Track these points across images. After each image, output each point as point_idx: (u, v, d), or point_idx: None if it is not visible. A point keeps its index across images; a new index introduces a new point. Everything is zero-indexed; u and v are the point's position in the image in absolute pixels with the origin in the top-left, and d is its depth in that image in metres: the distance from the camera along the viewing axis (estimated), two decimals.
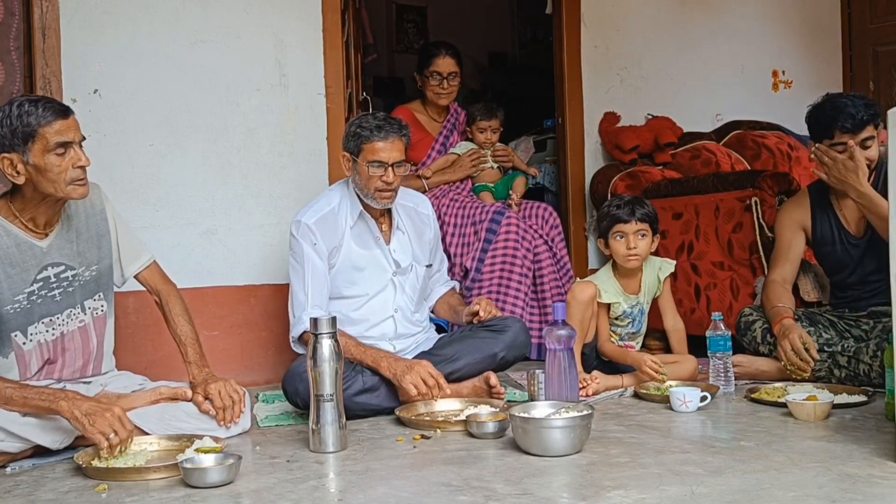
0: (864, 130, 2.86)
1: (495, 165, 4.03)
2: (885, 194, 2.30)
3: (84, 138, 2.33)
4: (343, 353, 2.64)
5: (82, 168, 2.29)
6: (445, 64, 3.97)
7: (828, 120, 2.91)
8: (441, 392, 2.66)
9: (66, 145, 2.25)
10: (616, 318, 3.14)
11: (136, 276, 2.65)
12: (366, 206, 2.93)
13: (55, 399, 2.19)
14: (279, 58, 3.64)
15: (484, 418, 2.45)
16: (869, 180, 2.89)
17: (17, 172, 2.26)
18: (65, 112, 2.28)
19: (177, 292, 2.67)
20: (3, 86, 3.11)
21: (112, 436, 2.15)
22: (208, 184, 3.53)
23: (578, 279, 3.22)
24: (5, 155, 2.25)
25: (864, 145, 2.87)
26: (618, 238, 3.07)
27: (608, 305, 3.11)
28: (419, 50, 4.16)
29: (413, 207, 3.08)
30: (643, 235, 3.07)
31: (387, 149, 2.82)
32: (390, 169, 2.82)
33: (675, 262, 3.24)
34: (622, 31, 4.62)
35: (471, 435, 2.42)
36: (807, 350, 2.88)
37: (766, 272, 3.41)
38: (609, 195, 4.23)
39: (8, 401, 2.20)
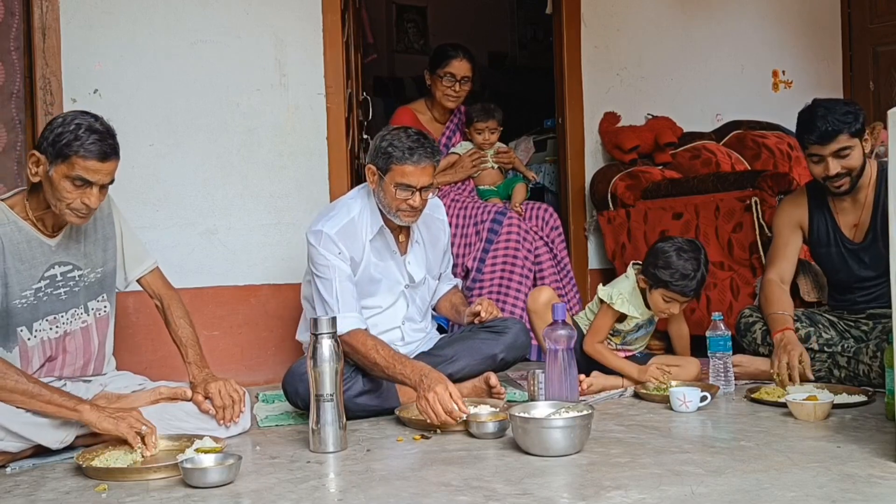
0: (834, 142, 2.81)
1: (496, 166, 4.03)
2: (885, 196, 2.29)
3: (112, 181, 2.36)
4: (386, 368, 2.59)
5: (87, 206, 2.32)
6: (461, 67, 3.94)
7: (800, 132, 2.91)
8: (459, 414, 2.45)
9: (86, 182, 2.29)
10: (621, 321, 3.14)
11: (138, 281, 2.68)
12: (386, 220, 2.87)
13: (78, 406, 2.24)
14: (279, 58, 3.64)
15: (484, 418, 2.45)
16: (847, 187, 2.88)
17: (36, 173, 2.31)
18: (106, 155, 2.29)
19: (178, 297, 2.70)
20: (3, 86, 3.11)
21: (144, 428, 2.24)
22: (208, 184, 3.53)
23: (601, 285, 3.15)
24: (36, 152, 2.31)
25: (838, 155, 2.83)
26: (665, 299, 2.99)
27: (621, 315, 3.07)
28: (433, 49, 4.13)
29: (430, 214, 3.01)
30: (685, 304, 3.05)
31: (417, 173, 2.71)
32: (417, 193, 2.74)
33: None
34: (622, 31, 4.62)
35: (471, 435, 2.42)
36: (802, 370, 2.81)
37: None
38: (609, 195, 4.23)
39: (33, 396, 2.21)
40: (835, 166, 2.84)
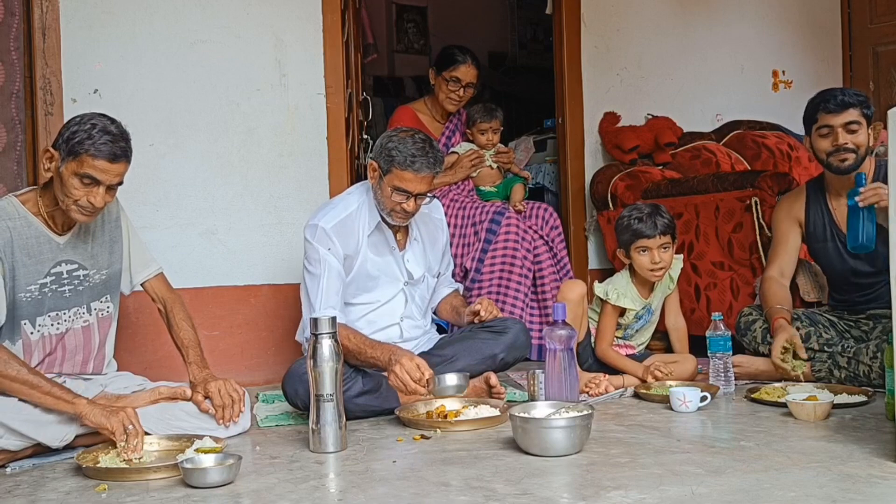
0: (847, 113, 2.89)
1: (495, 166, 4.02)
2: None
3: (121, 183, 2.40)
4: (358, 354, 2.65)
5: (92, 205, 2.35)
6: (468, 73, 3.94)
7: (814, 105, 2.98)
8: (429, 382, 2.56)
9: (94, 181, 2.33)
10: (622, 315, 3.15)
11: (142, 284, 2.71)
12: (383, 217, 2.90)
13: (75, 399, 2.26)
14: (279, 58, 3.64)
15: (446, 381, 2.62)
16: (852, 163, 2.90)
17: (49, 169, 2.37)
18: (115, 157, 2.34)
19: (181, 301, 2.72)
20: (3, 86, 3.11)
21: (130, 426, 2.23)
22: (208, 184, 3.53)
23: (598, 283, 3.19)
24: (51, 149, 2.36)
25: (848, 129, 2.90)
26: (641, 252, 3.03)
27: (621, 310, 3.11)
28: (441, 50, 4.11)
29: (427, 213, 3.04)
30: (666, 248, 3.05)
31: (415, 181, 2.75)
32: (413, 199, 2.78)
33: (681, 255, 3.28)
34: (622, 31, 4.62)
35: (432, 395, 2.46)
36: (795, 352, 2.92)
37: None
38: (609, 195, 4.23)
39: (34, 386, 2.24)
40: (844, 137, 2.89)
